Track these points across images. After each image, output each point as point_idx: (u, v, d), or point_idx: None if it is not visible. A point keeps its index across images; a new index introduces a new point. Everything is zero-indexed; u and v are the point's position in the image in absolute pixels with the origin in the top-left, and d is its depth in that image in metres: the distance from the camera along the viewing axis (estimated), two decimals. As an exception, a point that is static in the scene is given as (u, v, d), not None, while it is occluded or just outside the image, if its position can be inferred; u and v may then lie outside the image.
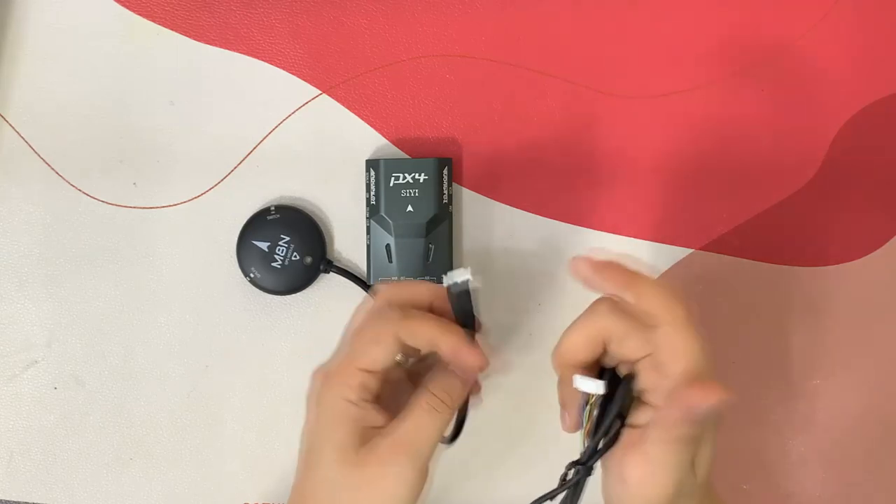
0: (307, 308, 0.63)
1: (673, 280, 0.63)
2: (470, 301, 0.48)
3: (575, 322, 0.48)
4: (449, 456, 0.52)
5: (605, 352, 0.48)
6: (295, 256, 0.61)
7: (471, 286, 0.48)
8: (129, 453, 0.63)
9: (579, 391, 0.47)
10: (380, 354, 0.47)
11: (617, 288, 0.47)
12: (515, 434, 0.63)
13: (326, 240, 0.62)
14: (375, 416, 0.47)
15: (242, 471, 0.63)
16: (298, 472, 0.49)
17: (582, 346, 0.47)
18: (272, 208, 0.62)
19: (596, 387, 0.46)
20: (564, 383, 0.48)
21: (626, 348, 0.46)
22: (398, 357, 0.49)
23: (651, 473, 0.45)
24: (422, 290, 0.50)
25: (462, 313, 0.49)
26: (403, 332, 0.47)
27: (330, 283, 0.63)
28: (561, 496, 0.47)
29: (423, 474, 0.46)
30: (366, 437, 0.47)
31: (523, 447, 0.63)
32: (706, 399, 0.44)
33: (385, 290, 0.50)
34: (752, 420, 0.63)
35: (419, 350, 0.50)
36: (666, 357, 0.45)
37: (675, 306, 0.46)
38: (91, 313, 0.63)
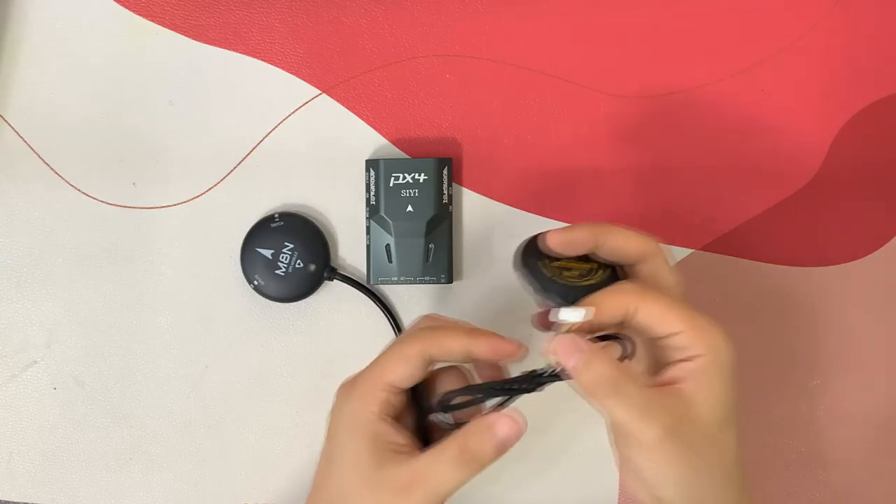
0: (307, 310, 0.63)
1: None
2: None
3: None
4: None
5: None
6: (299, 264, 0.61)
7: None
8: (128, 453, 0.63)
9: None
10: (406, 371, 0.47)
11: (590, 244, 0.48)
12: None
13: (330, 245, 0.62)
14: (396, 434, 0.47)
15: (242, 471, 0.63)
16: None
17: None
18: (276, 216, 0.61)
19: (577, 315, 0.45)
20: None
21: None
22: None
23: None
24: (456, 342, 0.48)
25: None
26: (432, 348, 0.47)
27: (333, 290, 0.63)
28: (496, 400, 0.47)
29: None
30: (384, 455, 0.46)
31: (528, 452, 0.63)
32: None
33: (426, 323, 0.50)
34: (752, 420, 0.63)
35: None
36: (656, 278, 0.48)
37: (648, 241, 0.48)
38: (91, 313, 0.62)
